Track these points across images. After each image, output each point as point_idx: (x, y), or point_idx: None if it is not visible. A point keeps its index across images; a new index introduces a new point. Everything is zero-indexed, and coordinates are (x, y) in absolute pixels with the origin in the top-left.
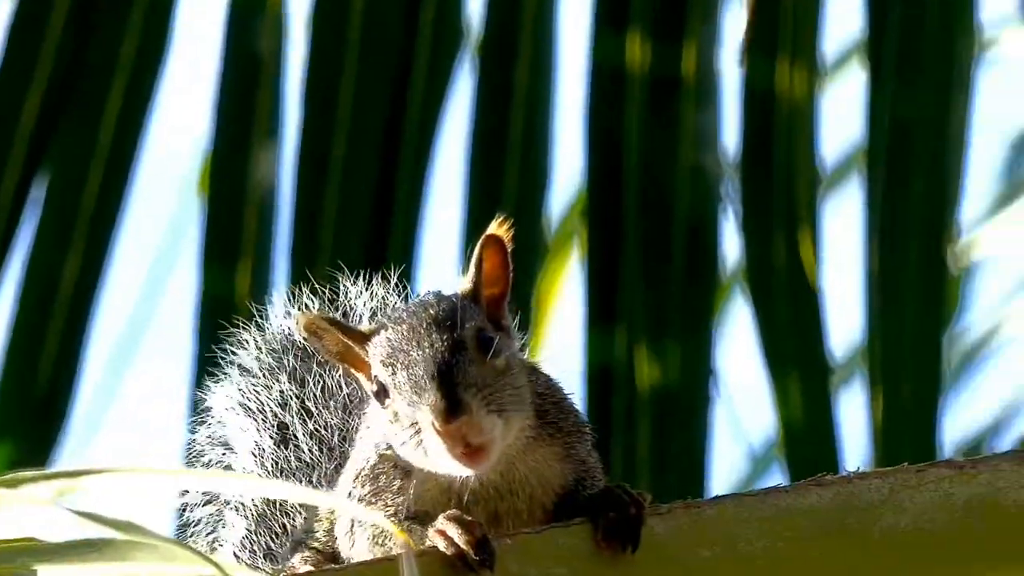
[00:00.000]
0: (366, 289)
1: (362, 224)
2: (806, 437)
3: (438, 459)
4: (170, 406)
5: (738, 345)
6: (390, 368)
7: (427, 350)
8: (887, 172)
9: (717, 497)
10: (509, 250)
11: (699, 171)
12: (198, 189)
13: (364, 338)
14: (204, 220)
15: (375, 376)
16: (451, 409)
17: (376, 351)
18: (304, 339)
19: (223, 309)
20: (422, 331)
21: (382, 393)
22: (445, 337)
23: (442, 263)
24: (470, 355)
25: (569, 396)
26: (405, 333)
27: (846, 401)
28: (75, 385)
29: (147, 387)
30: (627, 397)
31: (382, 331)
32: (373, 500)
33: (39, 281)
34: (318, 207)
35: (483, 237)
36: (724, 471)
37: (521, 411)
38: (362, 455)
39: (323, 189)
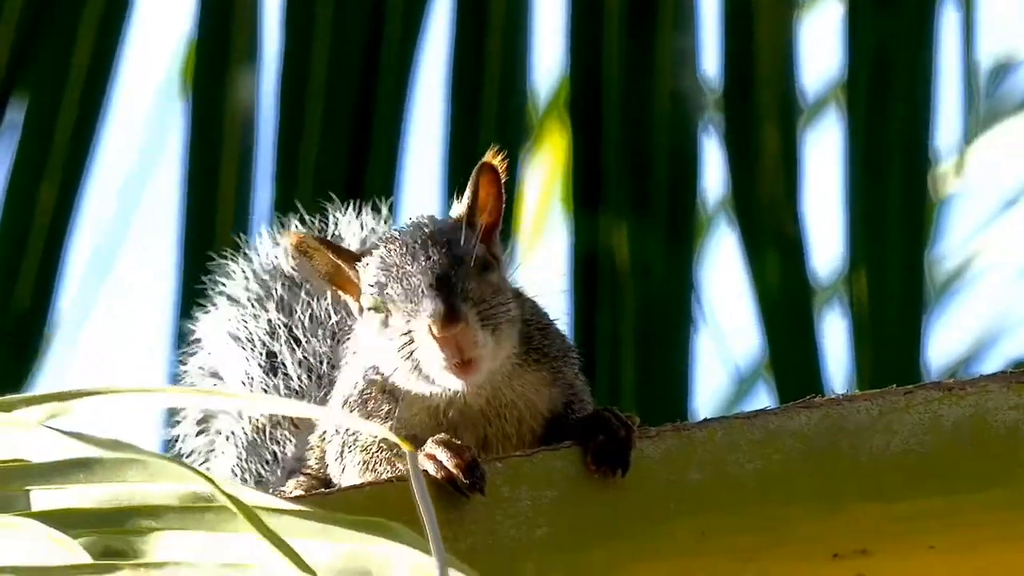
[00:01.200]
0: (355, 216)
1: (343, 148)
2: (790, 359)
3: (430, 370)
4: (152, 331)
5: (722, 269)
6: (386, 281)
7: (424, 263)
8: (867, 99)
9: (706, 420)
10: (503, 181)
11: (679, 95)
12: (180, 94)
13: (355, 258)
14: (185, 145)
15: (369, 291)
16: (449, 316)
17: (371, 266)
18: (293, 258)
19: (205, 237)
20: (418, 246)
21: (375, 308)
22: (443, 251)
23: (423, 185)
24: (466, 271)
25: (554, 322)
26: (402, 248)
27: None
28: (53, 304)
29: (127, 311)
30: (611, 323)
31: (377, 249)
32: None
33: (17, 203)
34: (299, 131)
35: (479, 165)
36: (709, 393)
37: (511, 333)
38: (349, 381)
39: (303, 114)
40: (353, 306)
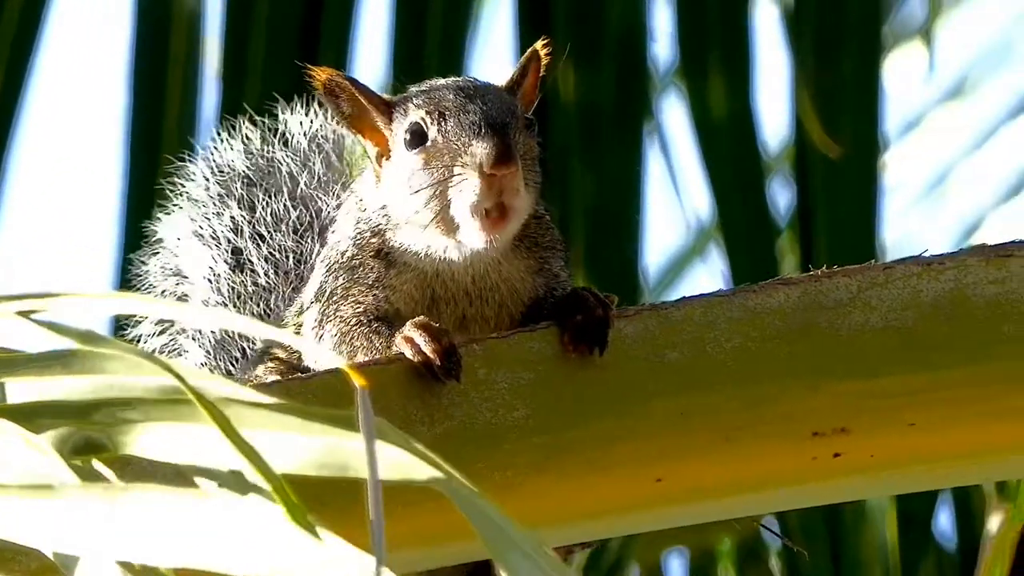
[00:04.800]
0: (304, 114)
1: (292, 44)
2: (742, 227)
3: (462, 213)
4: (101, 233)
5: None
6: (439, 115)
7: (481, 105)
8: None
9: (684, 298)
10: (541, 75)
11: None
12: None
13: (385, 104)
14: (130, 46)
15: (411, 124)
16: (504, 155)
17: (420, 101)
18: (320, 96)
19: (152, 138)
20: (473, 91)
21: (415, 140)
22: (503, 99)
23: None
24: (517, 124)
25: (548, 212)
26: (459, 90)
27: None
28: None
29: (74, 214)
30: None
31: (423, 91)
32: (346, 293)
33: None
34: (246, 30)
35: (531, 50)
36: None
37: (533, 199)
38: (336, 248)
39: (251, 12)
40: (372, 152)
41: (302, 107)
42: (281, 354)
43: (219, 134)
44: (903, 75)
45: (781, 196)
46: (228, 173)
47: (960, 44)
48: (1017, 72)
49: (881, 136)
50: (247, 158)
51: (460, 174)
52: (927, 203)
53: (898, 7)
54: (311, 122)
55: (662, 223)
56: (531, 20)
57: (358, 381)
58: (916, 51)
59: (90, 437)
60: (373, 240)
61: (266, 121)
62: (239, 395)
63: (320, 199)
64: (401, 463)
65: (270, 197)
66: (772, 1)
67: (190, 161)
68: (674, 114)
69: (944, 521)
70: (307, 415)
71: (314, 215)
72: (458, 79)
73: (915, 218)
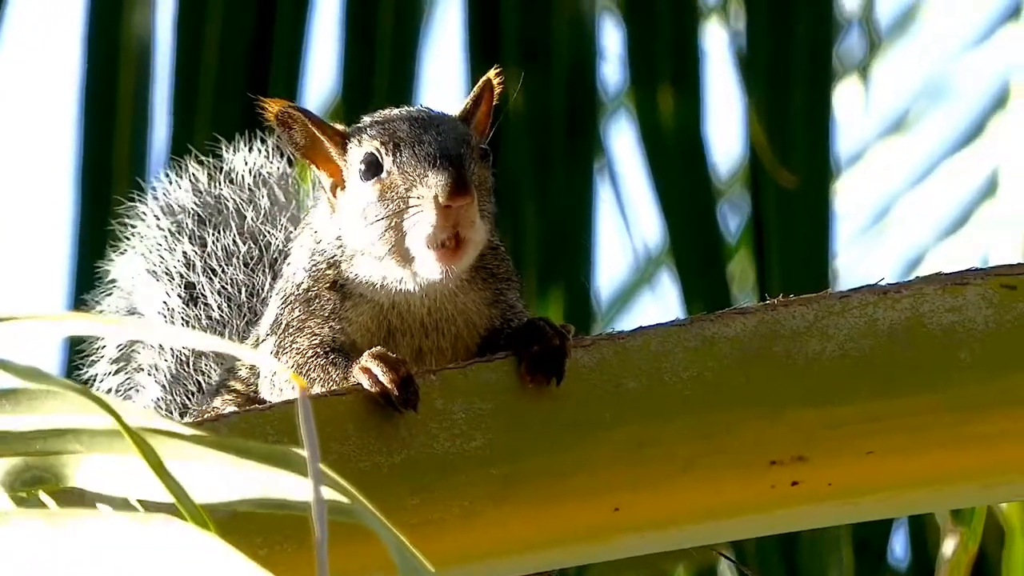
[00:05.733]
0: (248, 152)
1: (239, 82)
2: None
3: (418, 244)
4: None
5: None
6: (393, 146)
7: (436, 135)
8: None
9: (641, 328)
10: (494, 104)
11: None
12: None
13: (338, 134)
14: (81, 79)
15: (366, 156)
16: (459, 187)
17: (374, 132)
18: (274, 126)
19: (102, 173)
20: (428, 121)
21: (370, 171)
22: (458, 129)
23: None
24: (472, 154)
25: (503, 244)
26: (413, 121)
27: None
28: None
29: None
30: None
31: (378, 121)
32: (301, 325)
33: None
34: (196, 65)
35: (484, 79)
36: (611, 275)
37: (489, 229)
38: (291, 280)
39: (200, 47)
40: (326, 182)
41: (246, 144)
42: (238, 386)
43: (167, 174)
44: (845, 108)
45: (732, 219)
46: (178, 212)
47: (900, 79)
48: (956, 107)
49: (833, 162)
50: (195, 196)
51: (416, 206)
52: (871, 235)
53: (839, 41)
54: (255, 158)
55: (612, 251)
56: (481, 45)
57: (299, 383)
58: (856, 86)
59: (35, 470)
60: (328, 272)
61: (211, 160)
62: (175, 430)
63: (268, 233)
64: (333, 500)
65: (219, 233)
66: (723, 26)
67: (140, 201)
68: (623, 139)
69: (899, 546)
70: (244, 451)
71: (263, 249)
72: (412, 109)
73: (859, 250)
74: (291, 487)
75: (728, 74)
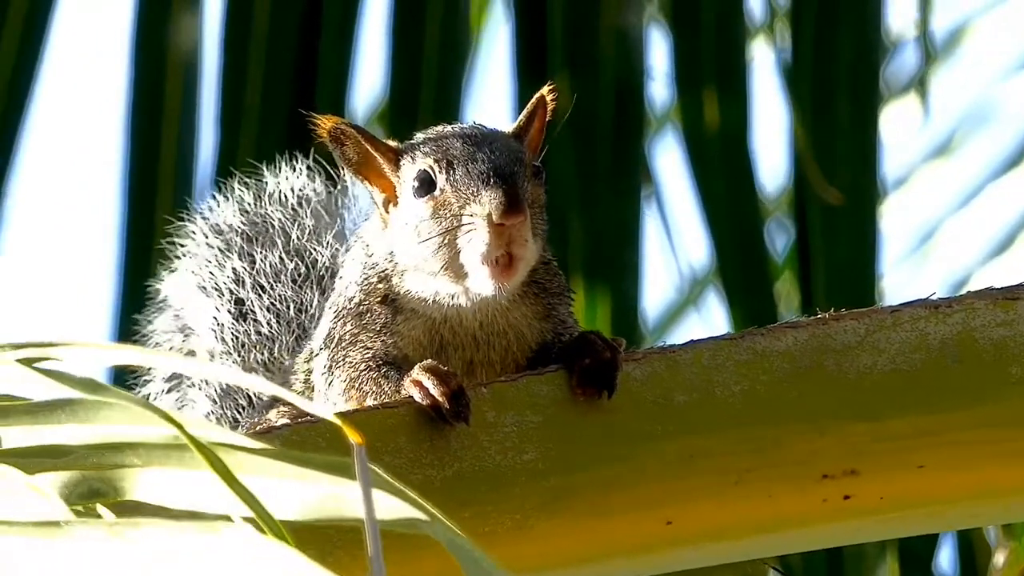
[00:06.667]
0: (292, 172)
1: (286, 94)
2: (740, 271)
3: (471, 261)
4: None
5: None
6: (447, 163)
7: (490, 153)
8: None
9: (692, 342)
10: (547, 120)
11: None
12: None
13: (391, 151)
14: (128, 92)
15: (419, 173)
16: (513, 205)
17: (428, 149)
18: (326, 142)
19: (147, 190)
20: (482, 139)
21: (423, 188)
22: (511, 147)
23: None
24: (525, 172)
25: (555, 259)
26: (466, 138)
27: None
28: None
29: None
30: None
31: (431, 138)
32: (354, 339)
33: None
34: (242, 78)
35: (537, 96)
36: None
37: (541, 247)
38: (343, 295)
39: (246, 60)
40: (379, 198)
41: (287, 163)
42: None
43: (214, 196)
44: (892, 129)
45: (778, 238)
46: (226, 231)
47: (947, 101)
48: (1002, 130)
49: (880, 182)
50: (242, 216)
51: (469, 223)
52: (916, 257)
53: (887, 62)
54: (298, 178)
55: (658, 271)
56: (527, 58)
57: (354, 438)
58: (908, 104)
59: (92, 482)
60: (380, 286)
61: (255, 181)
62: (237, 442)
63: (315, 250)
64: (395, 509)
65: (267, 251)
66: (769, 45)
67: (188, 220)
68: (669, 159)
69: (945, 560)
70: (304, 462)
71: (309, 266)
72: (465, 126)
73: (904, 271)
74: (350, 498)
75: (774, 91)
